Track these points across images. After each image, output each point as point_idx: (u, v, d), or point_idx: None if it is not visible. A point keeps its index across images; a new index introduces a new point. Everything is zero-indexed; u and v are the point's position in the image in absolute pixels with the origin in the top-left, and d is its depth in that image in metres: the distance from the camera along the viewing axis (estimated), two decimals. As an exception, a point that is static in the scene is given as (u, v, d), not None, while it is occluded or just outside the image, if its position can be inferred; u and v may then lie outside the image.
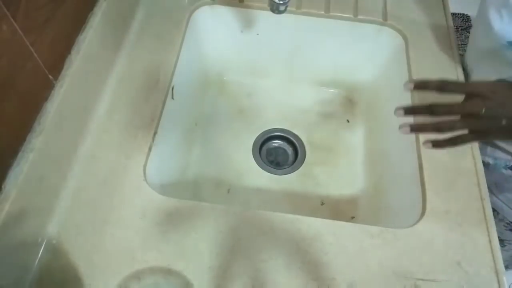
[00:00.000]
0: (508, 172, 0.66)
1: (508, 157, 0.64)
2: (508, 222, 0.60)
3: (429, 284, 0.51)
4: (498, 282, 0.51)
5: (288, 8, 0.67)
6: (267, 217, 0.54)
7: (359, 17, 0.77)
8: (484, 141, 0.47)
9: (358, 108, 0.88)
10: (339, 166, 0.81)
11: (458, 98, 0.44)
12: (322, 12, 0.77)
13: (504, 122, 0.41)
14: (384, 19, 0.77)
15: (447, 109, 0.43)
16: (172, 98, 0.67)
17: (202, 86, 0.87)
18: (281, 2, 0.57)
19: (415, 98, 0.67)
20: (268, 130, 0.84)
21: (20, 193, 0.46)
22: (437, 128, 0.44)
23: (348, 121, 0.86)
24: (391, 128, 0.77)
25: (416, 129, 0.47)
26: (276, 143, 0.85)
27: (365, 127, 0.85)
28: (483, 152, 0.55)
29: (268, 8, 0.77)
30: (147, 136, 0.60)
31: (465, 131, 0.44)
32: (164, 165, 0.66)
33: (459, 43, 1.84)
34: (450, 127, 0.44)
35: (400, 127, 0.47)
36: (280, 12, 0.57)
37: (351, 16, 0.77)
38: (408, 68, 0.71)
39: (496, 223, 0.53)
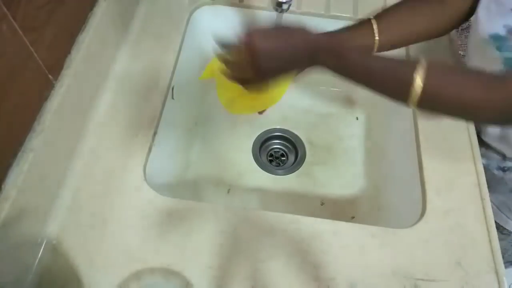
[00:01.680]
0: (500, 173, 0.65)
1: (499, 157, 0.64)
2: (497, 226, 0.60)
3: (429, 284, 0.51)
4: (498, 282, 0.51)
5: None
6: (267, 217, 0.54)
7: (359, 17, 0.77)
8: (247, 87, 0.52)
9: (358, 107, 0.88)
10: (339, 166, 0.80)
11: None
12: (322, 12, 0.77)
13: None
14: (384, 19, 0.77)
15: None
16: (172, 98, 0.67)
17: (202, 86, 0.87)
18: (284, 0, 0.57)
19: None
20: (268, 130, 0.84)
21: (20, 193, 0.46)
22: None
23: (357, 118, 0.86)
24: (391, 128, 0.77)
25: None
26: (276, 143, 0.85)
27: (365, 127, 0.85)
28: None
29: (268, 7, 0.77)
30: (147, 136, 0.60)
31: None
32: (164, 165, 0.66)
33: (459, 43, 1.84)
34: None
35: None
36: (283, 11, 0.57)
37: (351, 15, 0.77)
38: (408, 68, 0.71)
39: None
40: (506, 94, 0.41)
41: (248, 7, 0.78)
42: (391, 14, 0.57)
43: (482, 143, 0.61)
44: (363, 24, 0.56)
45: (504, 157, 0.65)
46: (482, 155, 0.60)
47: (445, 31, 0.59)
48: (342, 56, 0.46)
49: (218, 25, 0.80)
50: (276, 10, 0.57)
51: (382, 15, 0.57)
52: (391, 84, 0.46)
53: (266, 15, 0.79)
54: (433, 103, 0.44)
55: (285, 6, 0.57)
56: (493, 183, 0.57)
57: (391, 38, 0.56)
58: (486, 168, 0.58)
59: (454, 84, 0.43)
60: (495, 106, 0.42)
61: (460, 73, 0.45)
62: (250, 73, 0.48)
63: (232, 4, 0.78)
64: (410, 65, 0.43)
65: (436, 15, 0.56)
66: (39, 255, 0.50)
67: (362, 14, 0.77)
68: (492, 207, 0.56)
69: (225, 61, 0.50)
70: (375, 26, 0.55)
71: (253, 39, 0.45)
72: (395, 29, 0.56)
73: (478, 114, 0.44)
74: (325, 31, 0.53)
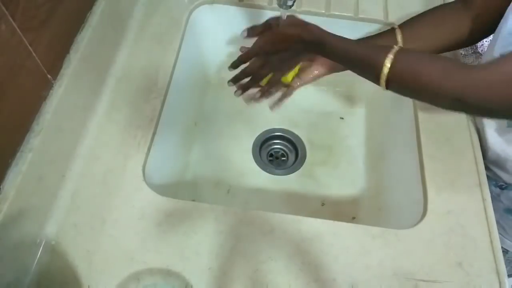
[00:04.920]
0: (497, 190, 0.65)
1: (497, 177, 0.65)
2: None
3: (430, 285, 0.50)
4: (500, 283, 0.51)
5: (288, 7, 0.66)
6: (267, 217, 0.54)
7: (360, 16, 0.77)
8: (270, 71, 0.60)
9: (359, 107, 0.88)
10: (340, 166, 0.80)
11: None
12: (323, 11, 0.77)
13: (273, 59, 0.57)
14: (385, 18, 0.76)
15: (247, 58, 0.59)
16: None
17: (201, 86, 0.87)
18: None
19: (416, 103, 0.67)
20: (268, 130, 0.84)
21: (18, 193, 0.46)
22: (246, 75, 0.60)
23: (341, 118, 0.85)
24: (392, 128, 0.76)
25: (242, 87, 0.62)
26: (276, 143, 0.84)
27: (366, 127, 0.85)
28: None
29: (268, 6, 0.77)
30: (146, 136, 0.60)
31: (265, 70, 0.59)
32: (163, 165, 0.65)
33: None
34: (250, 69, 0.59)
35: (235, 93, 0.62)
36: (288, 7, 0.57)
37: (352, 15, 0.77)
38: (409, 67, 0.71)
39: None
40: (459, 83, 0.43)
41: (248, 6, 0.78)
42: (416, 23, 0.58)
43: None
44: (387, 33, 0.58)
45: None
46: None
47: (473, 40, 0.59)
48: (325, 42, 0.52)
49: (218, 24, 0.81)
50: (281, 6, 0.57)
51: (407, 24, 0.58)
52: (366, 67, 0.50)
53: (266, 14, 0.78)
54: (399, 85, 0.48)
55: (290, 2, 0.56)
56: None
57: (416, 48, 0.57)
58: None
59: (417, 69, 0.46)
60: (447, 93, 0.44)
61: (427, 59, 0.47)
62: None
63: (232, 3, 0.77)
64: (383, 51, 0.47)
65: (463, 23, 0.57)
66: (38, 255, 0.50)
67: (362, 14, 0.77)
68: None
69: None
70: (399, 36, 0.57)
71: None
72: (419, 40, 0.57)
73: (434, 98, 0.47)
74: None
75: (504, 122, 0.60)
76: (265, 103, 0.88)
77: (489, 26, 0.56)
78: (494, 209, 0.60)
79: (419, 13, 0.60)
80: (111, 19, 0.65)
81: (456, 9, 0.57)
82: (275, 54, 0.57)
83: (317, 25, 0.54)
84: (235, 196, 0.75)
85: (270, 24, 0.60)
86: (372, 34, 0.61)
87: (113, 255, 0.51)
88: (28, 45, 0.46)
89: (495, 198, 0.64)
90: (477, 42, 0.61)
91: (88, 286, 0.49)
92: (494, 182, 0.65)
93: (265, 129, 0.84)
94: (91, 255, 0.50)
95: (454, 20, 0.57)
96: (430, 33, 0.58)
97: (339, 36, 0.53)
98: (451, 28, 0.57)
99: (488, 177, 0.63)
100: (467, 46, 0.60)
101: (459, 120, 0.65)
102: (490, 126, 0.61)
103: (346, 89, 0.89)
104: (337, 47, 0.52)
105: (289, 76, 0.63)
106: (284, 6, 0.57)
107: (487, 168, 0.62)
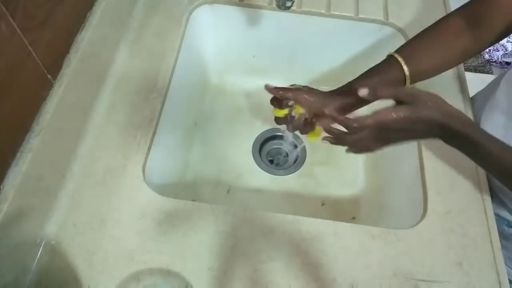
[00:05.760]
0: (510, 230, 0.64)
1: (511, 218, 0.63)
2: None
3: (430, 285, 0.50)
4: (500, 282, 0.51)
5: (289, 7, 0.66)
6: (267, 217, 0.54)
7: (360, 16, 0.77)
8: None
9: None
10: (340, 166, 0.80)
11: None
12: (323, 11, 0.77)
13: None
14: (385, 18, 0.76)
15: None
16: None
17: (201, 86, 0.87)
18: None
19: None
20: (268, 130, 0.84)
21: (18, 193, 0.46)
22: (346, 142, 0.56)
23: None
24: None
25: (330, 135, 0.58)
26: (276, 143, 0.84)
27: (366, 127, 0.84)
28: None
29: (268, 6, 0.77)
30: (146, 136, 0.60)
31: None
32: (163, 165, 0.65)
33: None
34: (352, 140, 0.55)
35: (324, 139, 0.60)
36: (286, 8, 0.56)
37: (352, 15, 0.77)
38: (409, 67, 0.71)
39: None
40: None
41: (248, 6, 0.78)
42: (416, 50, 0.56)
43: (496, 197, 0.61)
44: (390, 64, 0.56)
45: None
46: (494, 208, 0.58)
47: (479, 51, 0.57)
48: (468, 141, 0.46)
49: (218, 24, 0.81)
50: (280, 7, 0.57)
51: (407, 51, 0.56)
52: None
53: (265, 14, 0.79)
54: None
55: (288, 3, 0.56)
56: (500, 238, 0.56)
57: (421, 66, 0.55)
58: (496, 222, 0.57)
59: None
60: None
61: None
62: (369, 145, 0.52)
63: (232, 3, 0.77)
64: None
65: (466, 41, 0.54)
66: (38, 255, 0.50)
67: (362, 14, 0.77)
68: None
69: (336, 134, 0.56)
70: (400, 59, 0.55)
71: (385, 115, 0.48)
72: (422, 57, 0.55)
73: None
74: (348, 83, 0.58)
75: None
76: (265, 99, 0.88)
77: (496, 38, 0.54)
78: (506, 248, 0.60)
79: (416, 34, 0.57)
80: (111, 19, 0.65)
81: (456, 27, 0.54)
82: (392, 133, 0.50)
83: (459, 110, 0.46)
84: (235, 196, 0.75)
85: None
86: (374, 67, 0.58)
87: (113, 255, 0.51)
88: (28, 45, 0.46)
89: (507, 238, 0.63)
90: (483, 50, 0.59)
91: (88, 286, 0.49)
92: (506, 222, 0.63)
93: (265, 129, 0.84)
94: (91, 255, 0.50)
95: (458, 39, 0.54)
96: (434, 58, 0.55)
97: (482, 131, 0.46)
98: (456, 49, 0.55)
99: (500, 217, 0.62)
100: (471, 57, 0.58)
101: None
102: None
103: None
104: (485, 149, 0.45)
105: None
106: (282, 7, 0.57)
107: (503, 203, 0.61)
